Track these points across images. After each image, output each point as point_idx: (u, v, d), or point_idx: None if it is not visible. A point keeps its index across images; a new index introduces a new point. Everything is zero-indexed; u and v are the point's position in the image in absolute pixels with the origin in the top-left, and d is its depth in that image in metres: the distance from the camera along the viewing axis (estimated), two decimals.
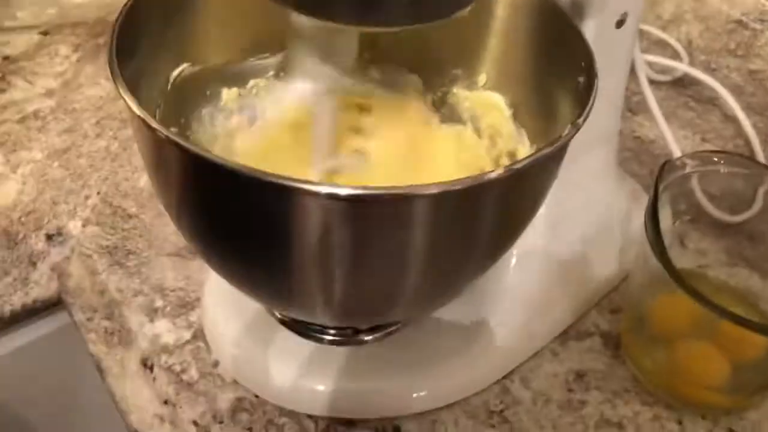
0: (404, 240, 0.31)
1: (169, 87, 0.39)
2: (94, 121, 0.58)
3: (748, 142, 0.60)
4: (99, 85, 0.62)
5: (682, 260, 0.49)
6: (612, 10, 0.38)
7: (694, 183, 0.46)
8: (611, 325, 0.46)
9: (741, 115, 0.61)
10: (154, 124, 0.28)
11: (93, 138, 0.57)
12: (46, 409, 0.53)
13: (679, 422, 0.42)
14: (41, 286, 0.47)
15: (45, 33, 0.67)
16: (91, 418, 0.52)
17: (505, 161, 0.41)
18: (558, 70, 0.36)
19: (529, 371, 0.43)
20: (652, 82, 0.65)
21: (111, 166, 0.54)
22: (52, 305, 0.48)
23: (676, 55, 0.69)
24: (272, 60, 0.43)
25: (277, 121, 0.45)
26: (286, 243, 0.31)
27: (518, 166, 0.27)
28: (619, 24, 0.39)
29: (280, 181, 0.27)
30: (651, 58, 0.65)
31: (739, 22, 0.66)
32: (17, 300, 0.46)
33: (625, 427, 0.41)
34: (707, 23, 0.68)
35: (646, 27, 0.71)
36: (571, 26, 0.35)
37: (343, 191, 0.27)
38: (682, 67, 0.65)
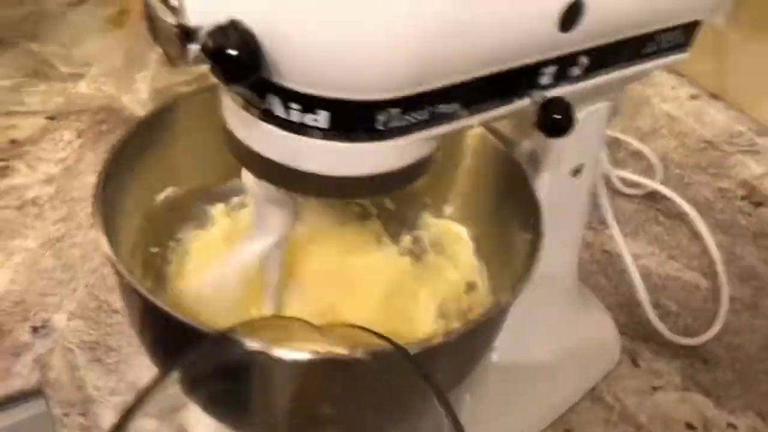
0: None
1: (154, 209, 0.42)
2: (90, 210, 0.61)
3: (712, 262, 0.62)
4: (97, 173, 0.65)
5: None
6: (567, 162, 0.41)
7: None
8: None
9: (707, 234, 0.63)
10: (122, 269, 0.31)
11: (87, 228, 0.60)
12: None
13: None
14: (23, 378, 0.49)
15: (51, 117, 0.71)
16: None
17: (463, 291, 0.44)
18: (512, 215, 0.39)
19: None
20: (624, 195, 0.68)
21: (101, 258, 0.57)
22: (31, 394, 0.50)
23: (650, 167, 0.72)
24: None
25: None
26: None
27: (452, 337, 0.30)
28: (575, 173, 0.42)
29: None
30: (623, 174, 0.68)
31: (710, 143, 0.70)
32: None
33: None
34: (681, 140, 0.72)
35: (625, 137, 0.75)
36: (524, 181, 0.38)
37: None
38: (653, 184, 0.68)
